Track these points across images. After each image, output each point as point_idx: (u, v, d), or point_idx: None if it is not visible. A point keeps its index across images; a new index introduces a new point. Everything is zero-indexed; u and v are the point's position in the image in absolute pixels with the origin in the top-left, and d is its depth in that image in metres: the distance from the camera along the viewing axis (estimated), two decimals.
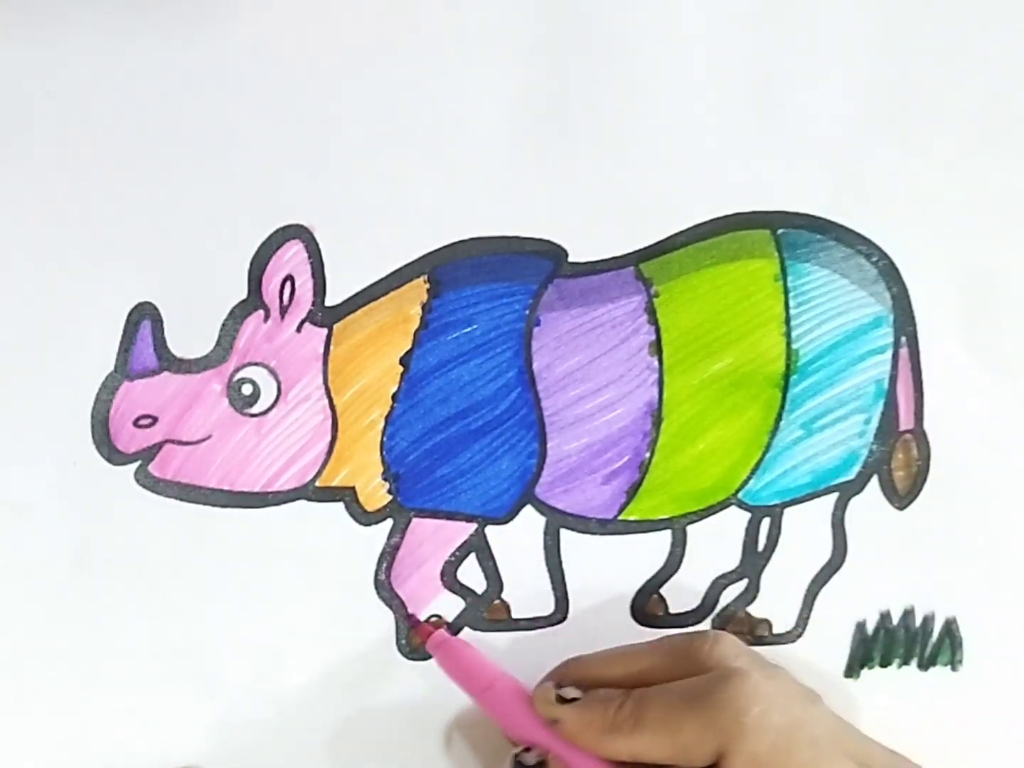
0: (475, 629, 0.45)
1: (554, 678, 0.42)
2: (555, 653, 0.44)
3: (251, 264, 0.43)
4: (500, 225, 0.44)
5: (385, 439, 0.44)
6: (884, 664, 0.48)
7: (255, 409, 0.43)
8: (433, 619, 0.45)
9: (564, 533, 0.45)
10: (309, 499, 0.43)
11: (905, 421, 0.48)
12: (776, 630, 0.47)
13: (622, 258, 0.45)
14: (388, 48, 0.43)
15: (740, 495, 0.46)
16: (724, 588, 0.47)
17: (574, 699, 0.40)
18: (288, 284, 0.43)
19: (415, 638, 0.44)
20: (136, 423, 0.42)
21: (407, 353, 0.44)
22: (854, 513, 0.47)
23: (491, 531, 0.45)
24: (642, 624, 0.46)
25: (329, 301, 0.43)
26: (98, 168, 0.42)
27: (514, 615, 0.45)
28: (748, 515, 0.47)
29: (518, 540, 0.45)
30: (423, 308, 0.44)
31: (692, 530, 0.46)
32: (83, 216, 0.42)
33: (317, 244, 0.43)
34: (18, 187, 0.41)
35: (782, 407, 0.46)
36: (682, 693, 0.38)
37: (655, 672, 0.40)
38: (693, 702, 0.38)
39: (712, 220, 0.46)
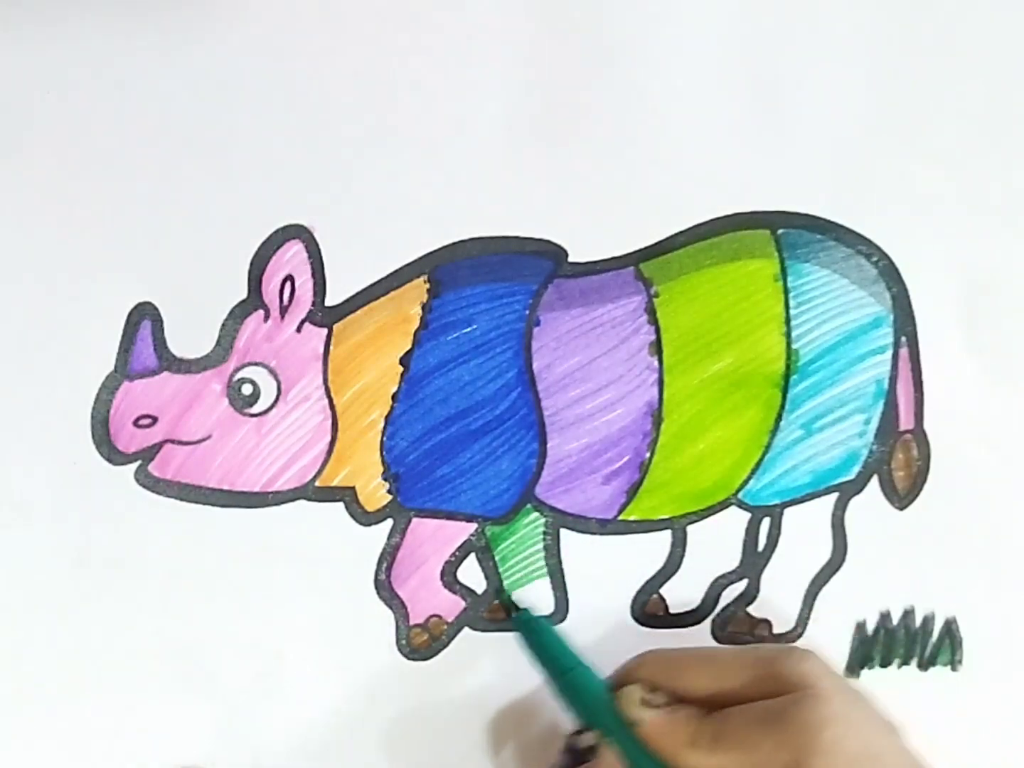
0: (475, 629, 0.45)
1: (633, 673, 0.42)
2: None
3: (251, 264, 0.43)
4: (500, 225, 0.44)
5: (385, 439, 0.44)
6: (884, 664, 0.48)
7: (255, 409, 0.43)
8: (433, 619, 0.45)
9: (564, 533, 0.45)
10: (309, 499, 0.43)
11: (905, 421, 0.48)
12: (776, 630, 0.47)
13: (622, 258, 0.45)
14: (388, 48, 0.43)
15: (740, 495, 0.47)
16: (724, 588, 0.47)
17: (659, 705, 0.40)
18: (288, 284, 0.43)
19: (416, 638, 0.44)
20: (136, 423, 0.42)
21: (407, 353, 0.44)
22: (854, 513, 0.47)
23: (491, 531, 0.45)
24: (642, 624, 0.46)
25: (329, 301, 0.43)
26: (98, 168, 0.42)
27: (514, 615, 0.45)
28: (748, 515, 0.47)
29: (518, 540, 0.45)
30: (423, 308, 0.44)
31: (692, 530, 0.46)
32: (83, 216, 0.42)
33: (317, 244, 0.43)
34: (18, 187, 0.41)
35: (782, 407, 0.46)
36: (762, 712, 0.39)
37: (737, 682, 0.40)
38: (771, 720, 0.38)
39: (712, 220, 0.46)
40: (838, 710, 0.38)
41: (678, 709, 0.40)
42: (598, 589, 0.46)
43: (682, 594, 0.47)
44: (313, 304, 0.43)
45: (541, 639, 0.43)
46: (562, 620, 0.46)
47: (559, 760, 0.41)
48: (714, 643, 0.47)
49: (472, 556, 0.45)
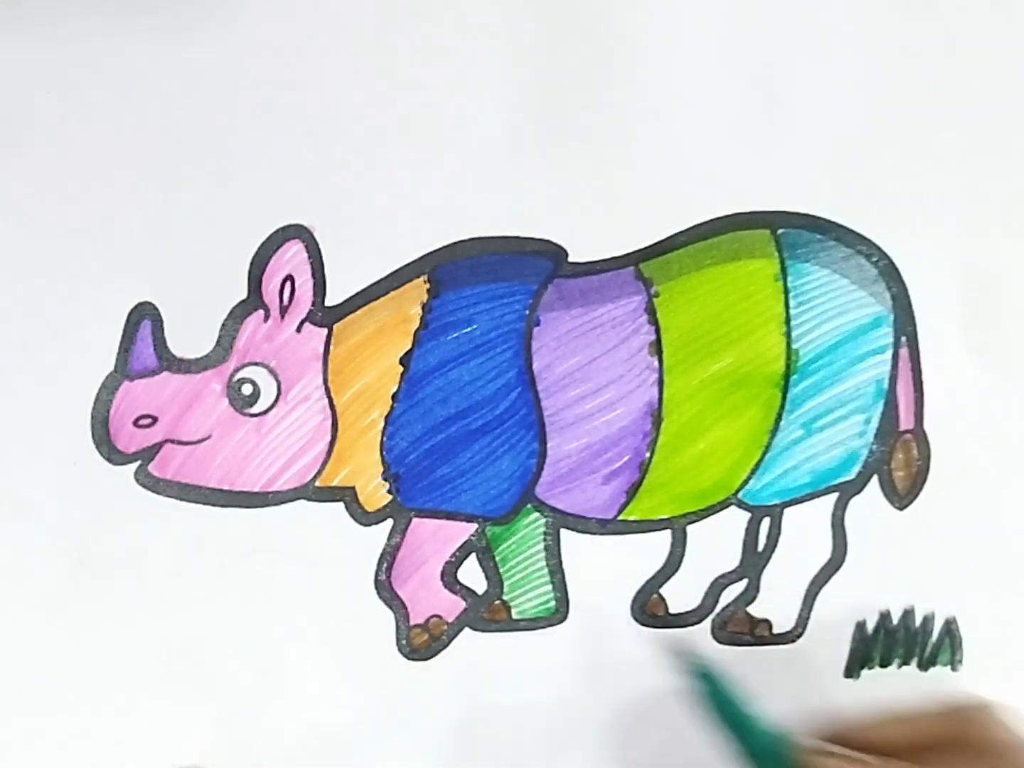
0: (475, 629, 0.45)
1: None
2: (555, 653, 0.44)
3: (251, 264, 0.43)
4: (500, 225, 0.44)
5: (385, 439, 0.44)
6: (884, 664, 0.48)
7: (255, 409, 0.43)
8: (433, 619, 0.45)
9: (564, 533, 0.45)
10: (309, 499, 0.43)
11: (905, 421, 0.48)
12: (776, 630, 0.47)
13: (622, 258, 0.45)
14: (388, 48, 0.43)
15: (740, 495, 0.46)
16: (724, 588, 0.47)
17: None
18: (288, 284, 0.43)
19: (416, 638, 0.44)
20: (136, 423, 0.42)
21: (407, 353, 0.44)
22: (854, 513, 0.47)
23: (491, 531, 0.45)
24: (642, 624, 0.46)
25: (329, 301, 0.43)
26: (98, 168, 0.42)
27: (514, 615, 0.45)
28: (748, 515, 0.47)
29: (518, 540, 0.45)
30: (423, 308, 0.44)
31: (692, 530, 0.46)
32: (83, 216, 0.42)
33: (317, 244, 0.43)
34: (18, 187, 0.41)
35: (782, 407, 0.46)
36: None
37: (930, 739, 0.40)
38: None
39: (712, 220, 0.46)
40: None
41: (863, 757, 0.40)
42: (598, 589, 0.46)
43: (682, 594, 0.47)
44: (313, 304, 0.43)
45: (721, 697, 0.42)
46: (562, 620, 0.46)
47: None
48: (714, 643, 0.47)
49: (472, 556, 0.45)
